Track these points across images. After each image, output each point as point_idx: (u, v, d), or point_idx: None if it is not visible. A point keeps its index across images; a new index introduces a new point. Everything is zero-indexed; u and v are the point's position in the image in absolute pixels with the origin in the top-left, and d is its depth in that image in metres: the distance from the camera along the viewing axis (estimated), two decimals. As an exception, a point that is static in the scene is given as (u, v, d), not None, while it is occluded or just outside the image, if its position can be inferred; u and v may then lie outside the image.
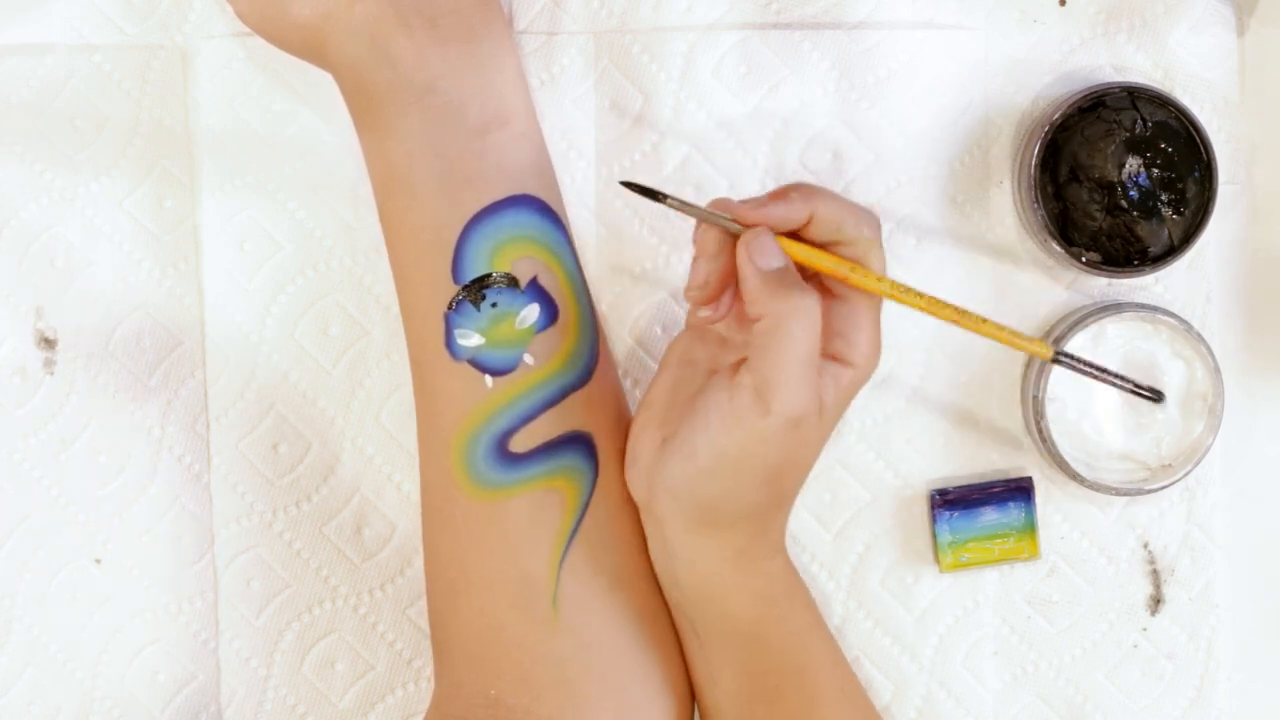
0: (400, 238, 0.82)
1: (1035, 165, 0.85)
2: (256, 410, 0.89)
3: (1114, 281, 0.89)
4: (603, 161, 0.89)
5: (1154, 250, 0.86)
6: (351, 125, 0.84)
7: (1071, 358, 0.81)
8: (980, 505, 0.89)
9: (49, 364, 0.89)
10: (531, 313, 0.81)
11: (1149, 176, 0.86)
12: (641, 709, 0.82)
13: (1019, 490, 0.89)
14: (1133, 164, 0.86)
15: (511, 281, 0.81)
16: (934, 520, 0.89)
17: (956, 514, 0.89)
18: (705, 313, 0.79)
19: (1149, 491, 0.87)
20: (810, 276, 0.79)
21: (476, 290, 0.81)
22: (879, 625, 0.90)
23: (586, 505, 0.81)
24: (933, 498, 0.89)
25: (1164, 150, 0.86)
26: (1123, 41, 0.89)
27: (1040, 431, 0.87)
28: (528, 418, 0.80)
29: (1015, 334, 0.80)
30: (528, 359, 0.81)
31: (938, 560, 0.89)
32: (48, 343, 0.89)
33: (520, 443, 0.80)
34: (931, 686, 0.90)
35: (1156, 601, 0.90)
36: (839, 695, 0.83)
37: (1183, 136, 0.86)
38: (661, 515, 0.80)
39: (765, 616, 0.81)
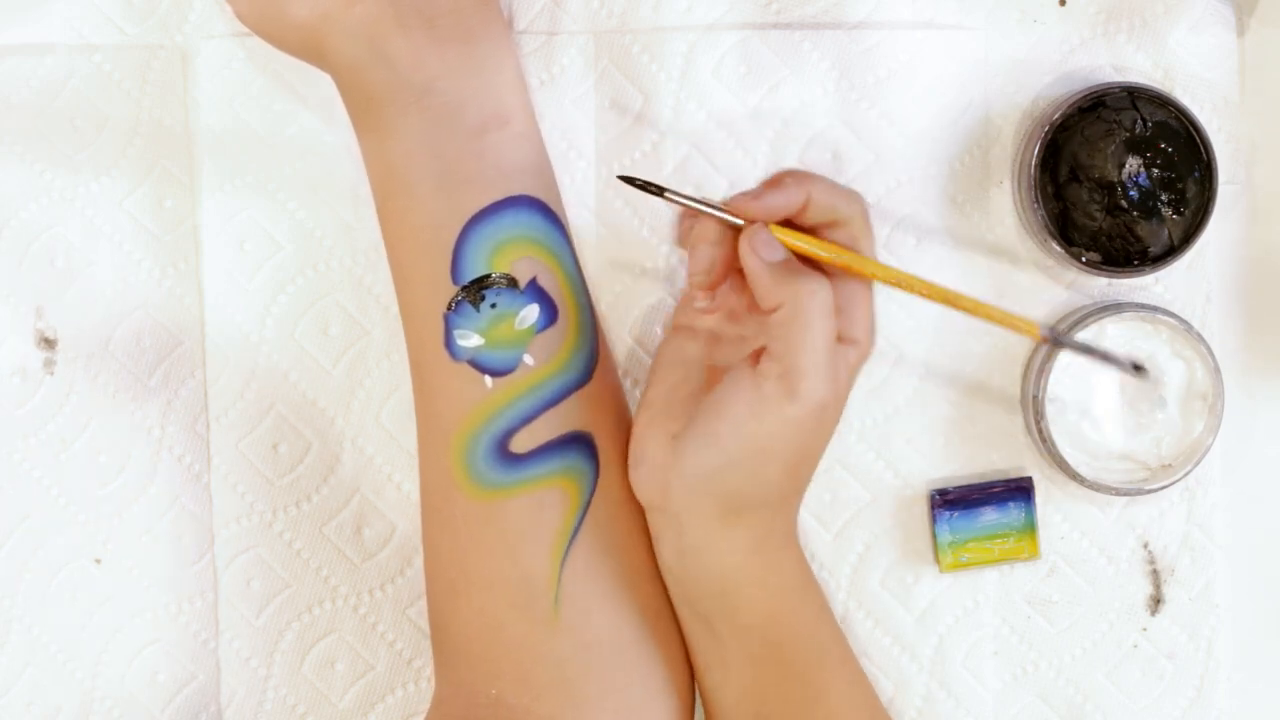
0: (399, 238, 0.82)
1: (1035, 165, 0.85)
2: (256, 410, 0.89)
3: (1114, 281, 0.89)
4: (603, 161, 0.89)
5: (1154, 250, 0.86)
6: (351, 125, 0.84)
7: (1059, 335, 0.82)
8: (980, 505, 0.89)
9: (49, 364, 0.89)
10: (531, 313, 0.81)
11: (1149, 176, 0.86)
12: (642, 709, 0.82)
13: (1019, 490, 0.89)
14: (1133, 164, 0.86)
15: (511, 282, 0.81)
16: (934, 520, 0.89)
17: (956, 514, 0.89)
18: (702, 303, 0.80)
19: (1149, 491, 0.87)
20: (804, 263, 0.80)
21: (476, 291, 0.81)
22: (879, 625, 0.90)
23: (588, 505, 0.81)
24: (933, 498, 0.89)
25: (1164, 150, 0.86)
26: (1123, 41, 0.89)
27: (1040, 431, 0.87)
28: (528, 418, 0.80)
29: (1005, 314, 0.81)
30: (527, 359, 0.81)
31: (938, 560, 0.89)
32: (48, 343, 0.89)
33: (520, 443, 0.80)
34: (931, 686, 0.90)
35: (1156, 601, 0.90)
36: (849, 686, 0.83)
37: (1183, 136, 0.86)
38: (680, 510, 0.80)
39: (783, 606, 0.82)
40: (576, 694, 0.81)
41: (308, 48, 0.82)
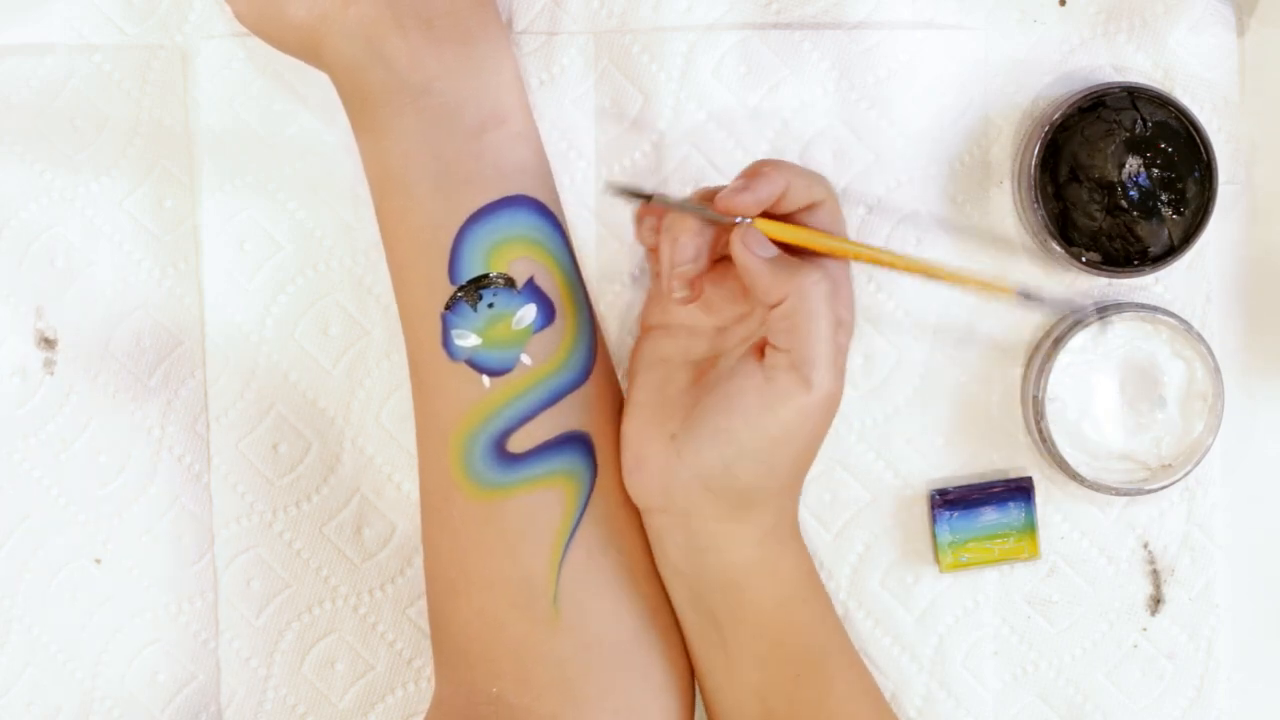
0: (397, 238, 0.82)
1: (1035, 165, 0.85)
2: (256, 410, 0.89)
3: (1114, 281, 0.89)
4: (603, 161, 0.89)
5: (1154, 250, 0.86)
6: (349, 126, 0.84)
7: (1030, 292, 0.82)
8: (980, 505, 0.89)
9: (49, 364, 0.89)
10: (528, 313, 0.81)
11: (1149, 176, 0.86)
12: (642, 708, 0.82)
13: (1019, 490, 0.89)
14: (1133, 164, 0.86)
15: (508, 282, 0.81)
16: (934, 520, 0.89)
17: (956, 514, 0.89)
18: (682, 293, 0.80)
19: (1149, 491, 0.87)
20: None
21: (473, 290, 0.81)
22: (879, 625, 0.90)
23: (585, 505, 0.81)
24: (933, 498, 0.89)
25: (1164, 150, 0.86)
26: (1123, 41, 0.89)
27: (1040, 431, 0.87)
28: (525, 418, 0.80)
29: (981, 279, 0.82)
30: (525, 359, 0.81)
31: (938, 560, 0.89)
32: (48, 343, 0.89)
33: (518, 443, 0.80)
34: (931, 686, 0.90)
35: (1156, 601, 0.90)
36: (856, 679, 0.84)
37: (1183, 136, 0.86)
38: (688, 508, 0.80)
39: (790, 599, 0.82)
40: (577, 693, 0.81)
41: (306, 48, 0.82)
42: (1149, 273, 0.86)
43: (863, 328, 0.89)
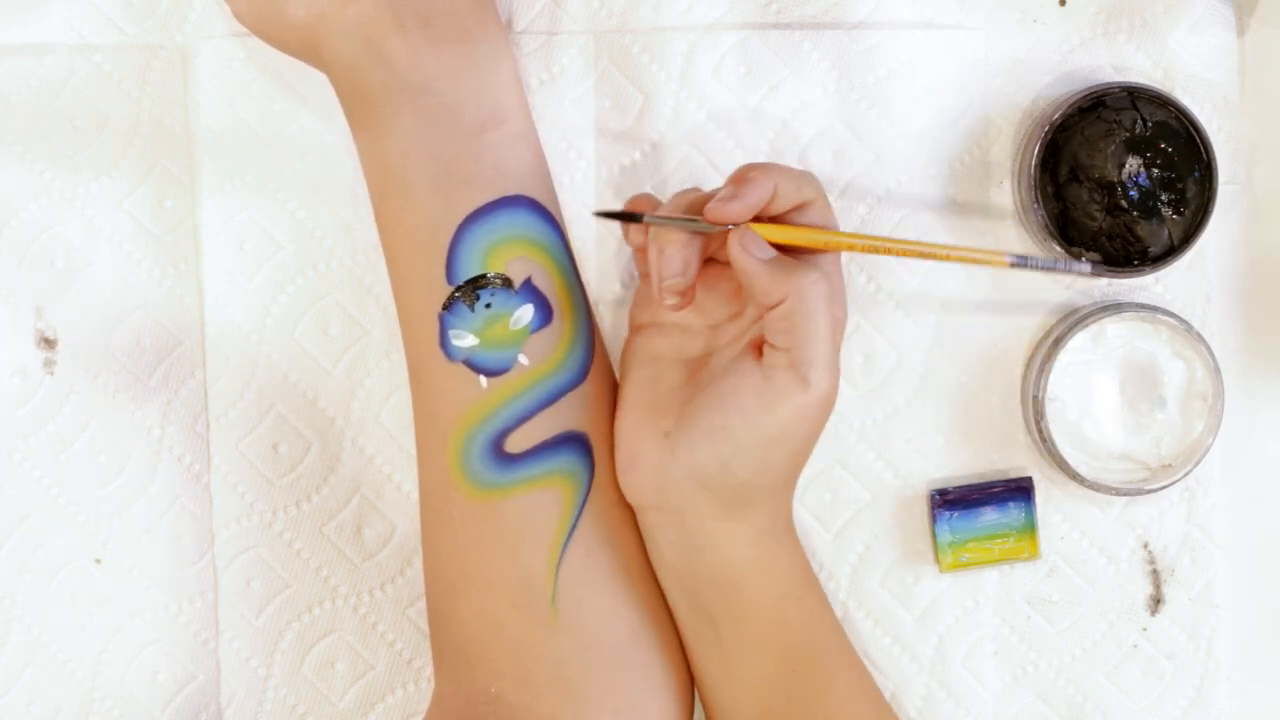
0: (396, 238, 0.82)
1: (1035, 165, 0.85)
2: (256, 410, 0.89)
3: (1114, 281, 0.89)
4: (603, 161, 0.89)
5: (1154, 250, 0.86)
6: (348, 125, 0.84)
7: (1025, 259, 0.82)
8: (980, 505, 0.89)
9: (49, 364, 0.89)
10: (526, 313, 0.81)
11: (1149, 176, 0.86)
12: (641, 707, 0.82)
13: (1019, 490, 0.89)
14: (1133, 164, 0.86)
15: (506, 282, 0.81)
16: (934, 520, 0.89)
17: (956, 514, 0.89)
18: (672, 302, 0.80)
19: (1149, 491, 0.87)
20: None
21: (471, 290, 0.81)
22: (879, 625, 0.90)
23: (583, 505, 0.81)
24: (933, 498, 0.89)
25: (1164, 150, 0.86)
26: (1123, 41, 0.89)
27: (1040, 431, 0.87)
28: (523, 418, 0.80)
29: (972, 251, 0.81)
30: (522, 359, 0.81)
31: (938, 560, 0.89)
32: (48, 343, 0.89)
33: (516, 443, 0.80)
34: (931, 686, 0.90)
35: (1156, 601, 0.90)
36: (853, 679, 0.84)
37: (1183, 136, 0.86)
38: (683, 506, 0.80)
39: (786, 596, 0.82)
40: (576, 693, 0.81)
41: (305, 48, 0.82)
42: (1149, 273, 0.86)
43: (863, 328, 0.89)
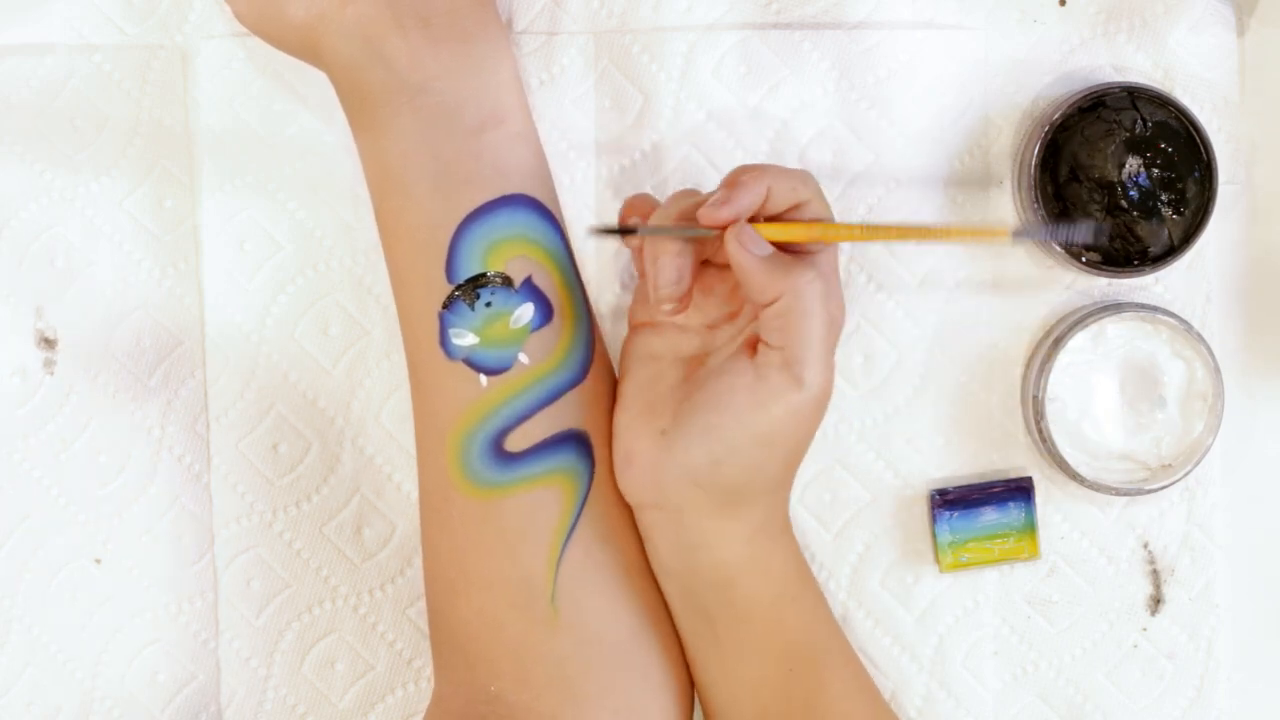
0: (396, 237, 0.82)
1: (1035, 165, 0.85)
2: (256, 410, 0.89)
3: (1114, 281, 0.89)
4: (603, 161, 0.89)
5: (1154, 250, 0.86)
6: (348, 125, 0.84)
7: (1027, 233, 0.82)
8: (980, 505, 0.89)
9: (49, 364, 0.89)
10: (526, 312, 0.81)
11: (1149, 176, 0.86)
12: (641, 706, 0.82)
13: (1019, 490, 0.89)
14: (1133, 164, 0.86)
15: (506, 281, 0.81)
16: (934, 520, 0.89)
17: (956, 514, 0.89)
18: (669, 306, 0.80)
19: (1149, 491, 0.87)
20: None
21: (471, 289, 0.81)
22: (879, 625, 0.90)
23: (583, 503, 0.81)
24: (933, 498, 0.89)
25: (1164, 150, 0.86)
26: (1123, 41, 0.89)
27: (1040, 431, 0.87)
28: (523, 417, 0.80)
29: (975, 228, 0.83)
30: (523, 358, 0.81)
31: (938, 560, 0.89)
32: (48, 343, 0.89)
33: (516, 442, 0.80)
34: (931, 686, 0.90)
35: (1156, 601, 0.90)
36: (850, 677, 0.84)
37: (1183, 136, 0.86)
38: (679, 505, 0.80)
39: (783, 595, 0.82)
40: (576, 692, 0.81)
41: (305, 48, 0.82)
42: (1149, 273, 0.86)
43: (863, 328, 0.89)
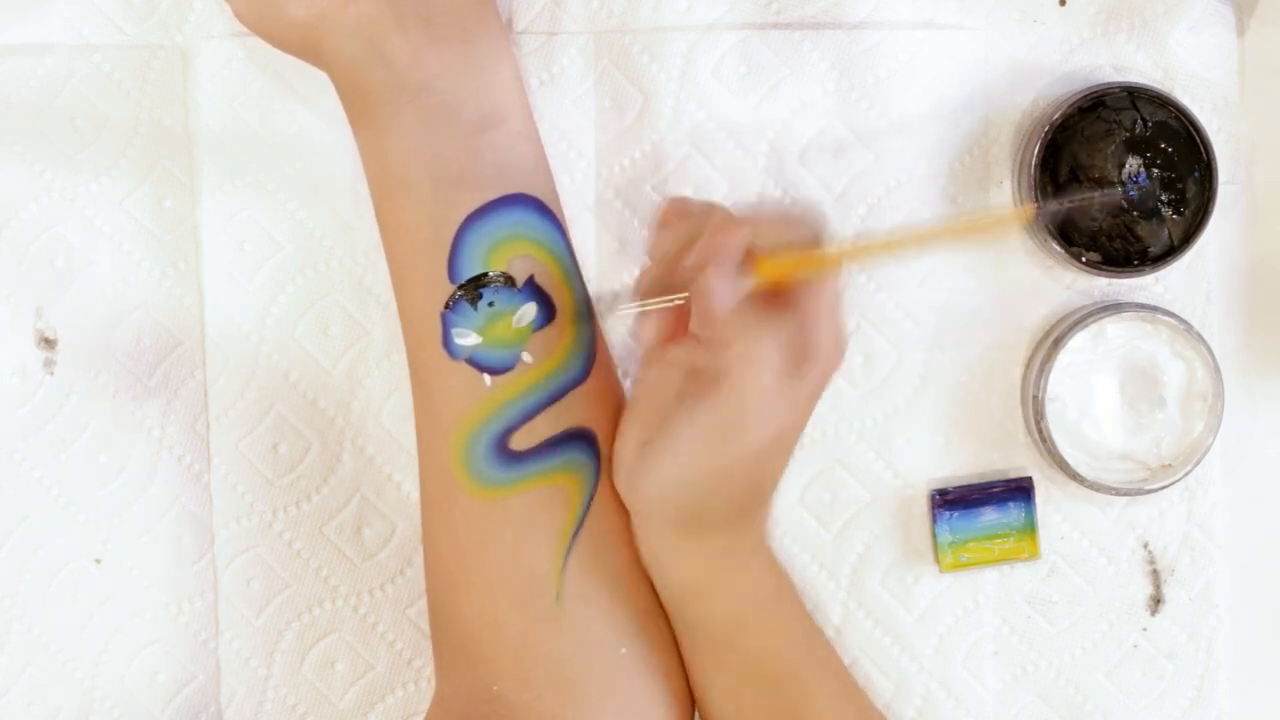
0: (397, 237, 0.82)
1: (1035, 165, 0.85)
2: (256, 410, 0.89)
3: (1114, 281, 0.89)
4: (603, 161, 0.89)
5: (1154, 250, 0.86)
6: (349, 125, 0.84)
7: (1048, 204, 0.81)
8: (980, 505, 0.89)
9: (49, 364, 0.89)
10: (529, 311, 0.81)
11: (1149, 176, 0.86)
12: (642, 707, 0.82)
13: (1019, 490, 0.89)
14: (1133, 164, 0.86)
15: (508, 280, 0.81)
16: (934, 520, 0.89)
17: (956, 514, 0.89)
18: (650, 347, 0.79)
19: (1149, 491, 0.87)
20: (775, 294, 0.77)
21: (473, 289, 0.81)
22: (879, 625, 0.90)
23: (590, 501, 0.81)
24: (933, 498, 0.89)
25: (1164, 150, 0.86)
26: (1123, 41, 0.89)
27: (1040, 431, 0.87)
28: (527, 415, 0.80)
29: (992, 216, 0.82)
30: (526, 357, 0.81)
31: (938, 560, 0.89)
32: (48, 343, 0.89)
33: (521, 440, 0.80)
34: (931, 686, 0.90)
35: (1156, 601, 0.90)
36: (833, 694, 0.83)
37: (1183, 136, 0.86)
38: (646, 515, 0.80)
39: (750, 613, 0.81)
40: (577, 692, 0.80)
41: (305, 47, 0.82)
42: (1149, 273, 0.86)
43: (863, 328, 0.89)
